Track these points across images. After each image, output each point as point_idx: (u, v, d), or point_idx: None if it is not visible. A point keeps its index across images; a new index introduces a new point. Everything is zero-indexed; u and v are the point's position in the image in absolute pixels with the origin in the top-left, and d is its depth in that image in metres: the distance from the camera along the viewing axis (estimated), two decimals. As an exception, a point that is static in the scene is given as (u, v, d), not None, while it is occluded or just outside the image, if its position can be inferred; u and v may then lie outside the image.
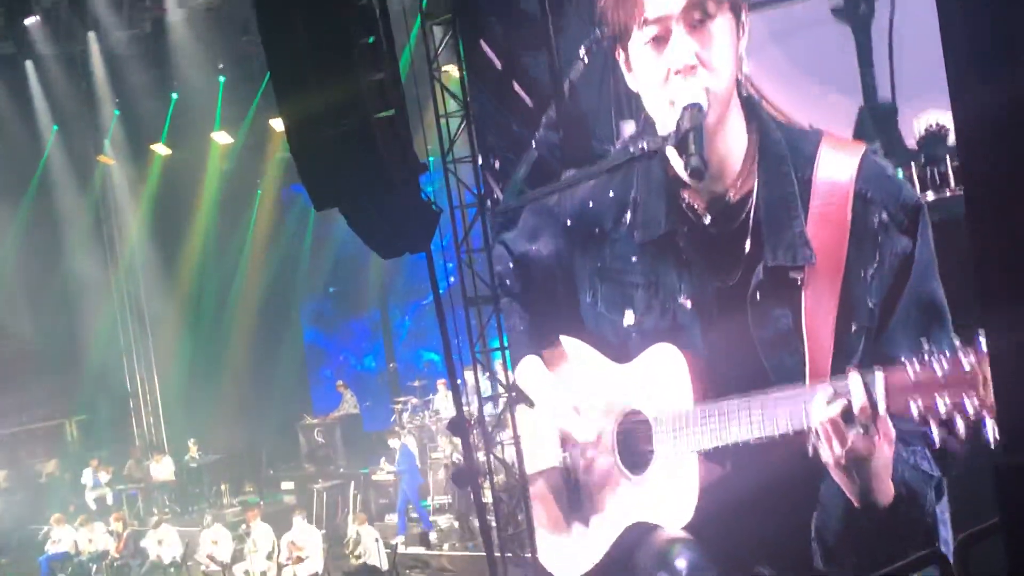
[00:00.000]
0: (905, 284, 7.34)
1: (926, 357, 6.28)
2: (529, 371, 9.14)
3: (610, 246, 8.34)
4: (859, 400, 6.71)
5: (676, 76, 7.42)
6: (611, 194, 8.29)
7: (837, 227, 7.39)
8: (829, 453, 6.93)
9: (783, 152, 7.62)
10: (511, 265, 9.21)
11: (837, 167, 7.45)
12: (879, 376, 6.54)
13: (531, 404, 9.08)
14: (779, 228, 7.55)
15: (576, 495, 8.62)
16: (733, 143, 7.69)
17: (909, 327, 7.05)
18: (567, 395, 8.59)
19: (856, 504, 7.21)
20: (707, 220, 7.80)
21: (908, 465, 7.32)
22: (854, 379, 6.77)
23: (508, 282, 9.24)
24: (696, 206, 7.83)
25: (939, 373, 6.21)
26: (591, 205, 8.43)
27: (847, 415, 6.81)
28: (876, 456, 6.92)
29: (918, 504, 7.39)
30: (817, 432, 6.94)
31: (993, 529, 3.69)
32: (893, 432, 6.90)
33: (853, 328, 7.37)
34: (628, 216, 8.19)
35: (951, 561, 4.61)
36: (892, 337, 7.27)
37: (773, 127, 7.71)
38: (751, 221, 7.64)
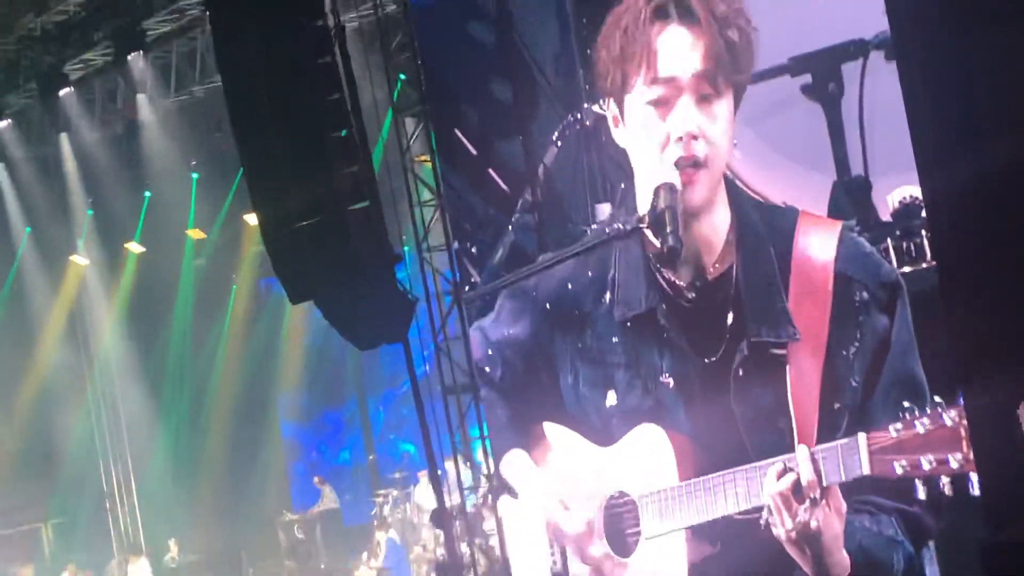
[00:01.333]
0: (884, 362, 7.34)
1: (907, 416, 6.29)
2: (515, 465, 9.04)
3: (591, 327, 8.28)
4: (806, 474, 6.66)
5: (676, 144, 7.39)
6: (590, 274, 8.24)
7: (818, 305, 7.39)
8: (780, 528, 6.86)
9: (761, 230, 7.63)
10: (489, 352, 9.13)
11: (816, 245, 7.46)
12: (861, 438, 6.53)
13: (515, 495, 8.98)
14: (761, 304, 7.54)
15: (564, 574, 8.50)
16: (717, 221, 7.70)
17: (889, 404, 7.02)
18: (554, 488, 8.49)
19: None
20: (688, 297, 7.79)
21: (869, 533, 7.29)
22: (801, 452, 6.73)
23: (487, 369, 9.15)
24: (676, 283, 7.82)
25: (921, 431, 6.21)
26: (570, 287, 8.38)
27: (796, 489, 6.74)
28: (825, 529, 6.83)
29: (881, 571, 7.34)
30: (769, 507, 6.92)
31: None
32: (844, 505, 6.84)
33: (836, 406, 7.35)
34: (608, 296, 8.15)
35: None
36: (873, 414, 7.23)
37: (750, 205, 7.73)
38: (733, 297, 7.64)
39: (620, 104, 7.69)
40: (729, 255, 7.68)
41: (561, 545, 8.40)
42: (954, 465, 6.12)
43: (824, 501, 6.75)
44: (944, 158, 3.91)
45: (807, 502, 6.77)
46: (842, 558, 7.09)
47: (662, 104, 7.37)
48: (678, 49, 7.38)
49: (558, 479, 8.43)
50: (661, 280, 7.83)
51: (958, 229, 3.89)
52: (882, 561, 7.31)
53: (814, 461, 6.68)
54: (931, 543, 7.50)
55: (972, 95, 4.07)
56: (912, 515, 7.19)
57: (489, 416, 9.40)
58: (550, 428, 8.61)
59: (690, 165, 7.35)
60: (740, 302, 7.61)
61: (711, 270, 7.73)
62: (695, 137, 7.32)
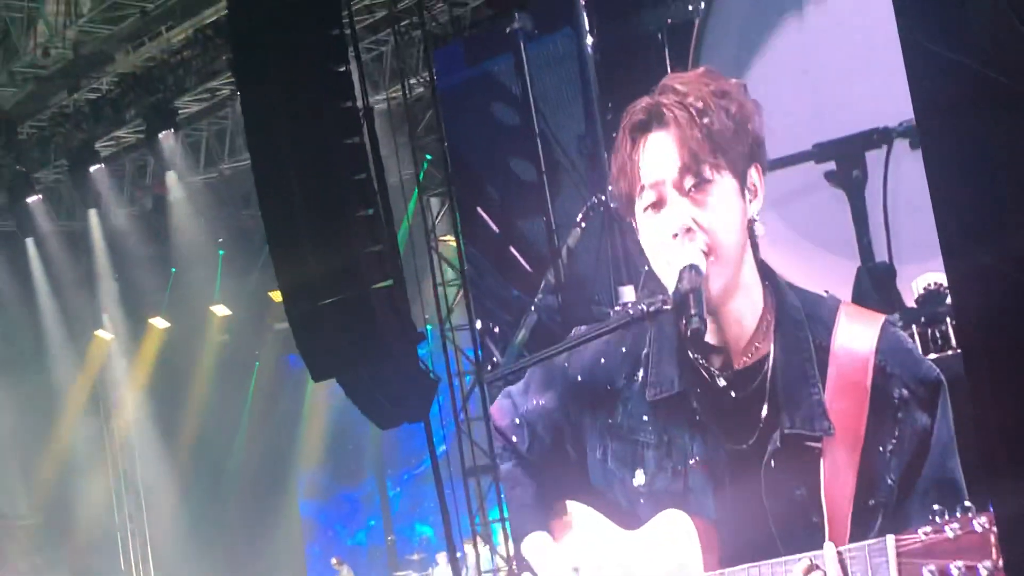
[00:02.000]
0: (924, 463, 7.25)
1: (937, 520, 6.19)
2: (535, 547, 8.94)
3: (622, 403, 8.25)
4: (833, 573, 6.62)
5: (673, 241, 7.47)
6: (623, 350, 8.23)
7: (856, 399, 7.32)
8: None
9: (800, 317, 7.59)
10: (516, 421, 9.06)
11: (857, 336, 7.41)
12: (890, 540, 6.43)
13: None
14: (797, 395, 7.48)
15: None
16: (748, 305, 7.67)
17: (927, 505, 6.93)
18: (576, 572, 8.39)
19: None
20: (722, 382, 7.74)
21: None
22: (829, 551, 6.68)
23: (514, 439, 9.08)
24: (710, 367, 7.77)
25: (950, 535, 6.11)
26: (603, 361, 8.36)
27: None
28: None
29: None
30: None
31: None
32: None
33: (871, 503, 7.26)
34: (640, 373, 8.12)
35: None
36: (909, 515, 7.14)
37: (789, 291, 7.70)
38: (767, 385, 7.58)
39: (632, 218, 7.94)
40: (766, 341, 7.63)
41: None
42: (983, 573, 5.99)
43: None
44: (969, 245, 3.88)
45: None
46: None
47: (656, 206, 7.61)
48: (658, 153, 7.63)
49: (579, 561, 8.34)
50: (696, 363, 7.80)
51: (983, 317, 3.84)
52: None
53: (841, 562, 6.64)
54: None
55: (997, 182, 4.05)
56: None
57: (512, 493, 9.32)
58: (574, 507, 8.53)
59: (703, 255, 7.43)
60: (775, 391, 7.55)
61: (744, 358, 7.68)
62: (688, 230, 7.44)
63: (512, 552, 9.68)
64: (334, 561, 19.69)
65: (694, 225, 7.44)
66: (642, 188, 7.66)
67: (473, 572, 11.73)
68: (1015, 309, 3.87)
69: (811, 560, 6.76)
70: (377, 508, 21.34)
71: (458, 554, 10.38)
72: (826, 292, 7.73)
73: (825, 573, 6.67)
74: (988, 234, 3.95)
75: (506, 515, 9.72)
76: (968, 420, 6.91)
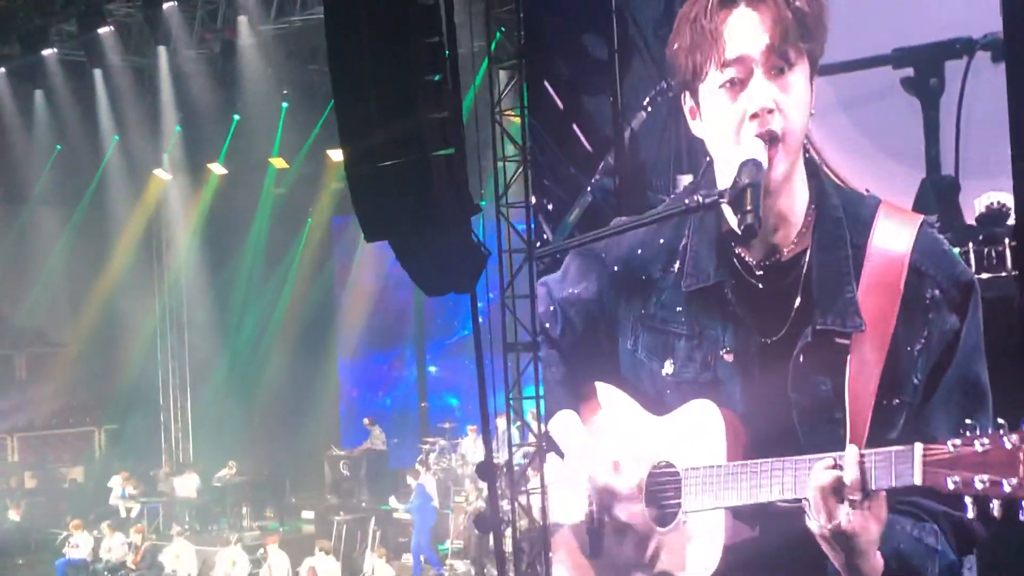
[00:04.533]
0: (950, 363, 7.25)
1: (967, 434, 6.22)
2: (563, 424, 9.07)
3: (656, 294, 8.27)
4: (851, 475, 6.69)
5: (751, 122, 7.36)
6: (661, 241, 8.22)
7: (888, 297, 7.32)
8: (815, 522, 6.92)
9: (839, 215, 7.56)
10: (552, 308, 9.15)
11: (893, 236, 7.38)
12: (918, 448, 6.47)
13: (561, 455, 9.00)
14: (831, 291, 7.49)
15: (600, 544, 8.53)
16: (795, 200, 7.64)
17: (951, 407, 6.95)
18: (601, 449, 8.51)
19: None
20: (759, 275, 7.74)
21: (910, 538, 7.25)
22: (851, 453, 6.74)
23: (548, 325, 9.17)
24: (749, 260, 7.77)
25: (979, 450, 6.14)
26: (640, 252, 8.37)
27: (837, 487, 6.79)
28: (861, 532, 6.86)
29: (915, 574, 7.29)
30: (808, 500, 6.92)
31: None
32: (885, 513, 6.86)
33: (896, 401, 7.29)
34: (677, 265, 8.13)
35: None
36: (932, 415, 7.16)
37: (831, 189, 7.65)
38: (803, 280, 7.59)
39: (695, 95, 7.75)
40: (806, 237, 7.62)
41: (602, 505, 8.43)
42: (1007, 489, 6.03)
43: (866, 505, 6.78)
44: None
45: (846, 503, 6.76)
46: (875, 561, 7.07)
47: (735, 84, 7.43)
48: (746, 29, 7.43)
49: (606, 440, 8.45)
50: (733, 256, 7.79)
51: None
52: (917, 568, 7.27)
53: (862, 464, 6.69)
54: (974, 552, 7.44)
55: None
56: (959, 521, 7.12)
57: (545, 377, 9.42)
58: (603, 388, 8.61)
59: (767, 141, 7.33)
60: (810, 286, 7.55)
61: (786, 250, 7.67)
62: (770, 111, 7.32)
63: (543, 430, 9.79)
64: (366, 421, 20.06)
65: (775, 106, 7.33)
66: (724, 63, 7.46)
67: (504, 446, 11.88)
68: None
69: (835, 460, 6.81)
70: (411, 373, 21.59)
71: (490, 426, 10.49)
72: (867, 191, 7.66)
73: (844, 474, 6.74)
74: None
75: (542, 393, 9.80)
76: (1007, 337, 6.93)
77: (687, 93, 7.82)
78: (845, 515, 6.79)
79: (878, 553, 7.07)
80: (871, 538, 6.97)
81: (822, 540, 7.02)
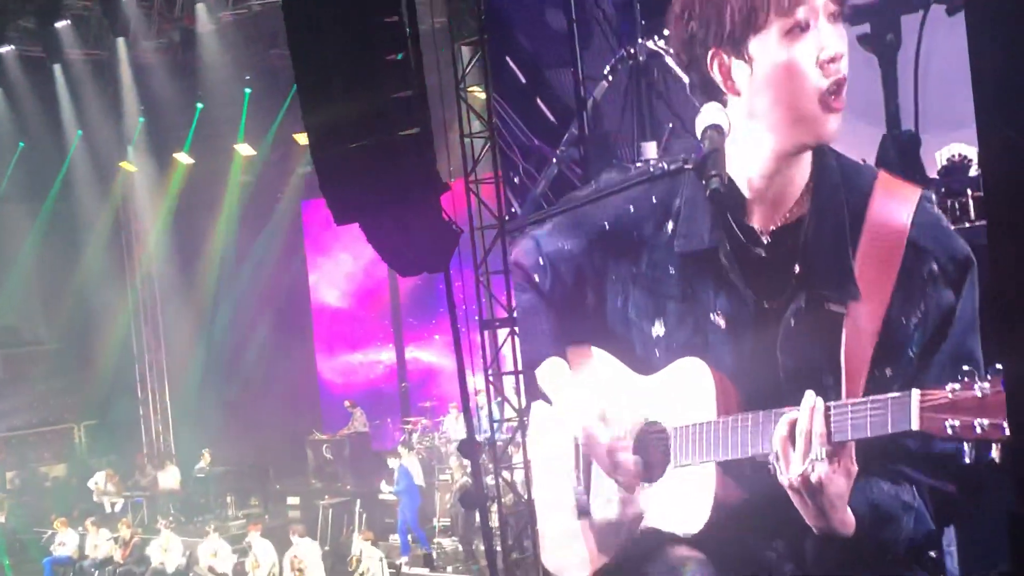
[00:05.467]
0: (945, 338, 7.27)
1: (965, 379, 6.26)
2: (551, 371, 9.03)
3: (648, 253, 8.20)
4: (803, 423, 6.83)
5: (815, 67, 7.06)
6: (654, 200, 8.12)
7: (885, 270, 7.30)
8: (783, 474, 7.01)
9: (837, 181, 7.50)
10: (540, 262, 9.05)
11: (892, 209, 7.34)
12: (915, 394, 6.50)
13: (549, 402, 8.99)
14: (827, 258, 7.46)
15: (586, 497, 8.57)
16: (802, 164, 7.56)
17: (944, 380, 6.98)
18: (589, 398, 8.49)
19: (813, 530, 7.22)
20: (754, 240, 7.69)
21: (884, 494, 7.31)
22: (807, 400, 6.87)
23: (536, 278, 9.08)
24: (747, 224, 7.70)
25: (979, 394, 6.20)
26: (632, 209, 8.28)
27: (794, 436, 6.90)
28: (828, 485, 6.95)
29: (889, 529, 7.35)
30: (777, 452, 7.02)
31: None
32: (854, 466, 6.95)
33: (888, 373, 7.30)
34: (670, 225, 8.05)
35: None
36: (924, 388, 7.21)
37: (830, 155, 7.58)
38: (800, 246, 7.55)
39: (743, 50, 7.31)
40: (804, 203, 7.56)
41: (589, 459, 8.45)
42: (1008, 432, 6.08)
43: (834, 459, 6.86)
44: (1007, 113, 3.82)
45: (809, 453, 6.84)
46: (846, 516, 7.13)
47: (800, 29, 7.09)
48: None
49: (594, 393, 8.43)
50: (730, 219, 7.72)
51: (1012, 188, 3.81)
52: (891, 520, 7.33)
53: (827, 416, 6.79)
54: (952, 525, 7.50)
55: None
56: (943, 492, 7.18)
57: (530, 320, 9.33)
58: (590, 348, 8.60)
59: (835, 91, 7.10)
60: (808, 252, 7.52)
61: (782, 218, 7.63)
62: (834, 59, 7.08)
63: (524, 405, 9.80)
64: (347, 404, 20.01)
65: (839, 54, 7.07)
66: (786, 6, 7.09)
67: (485, 422, 11.90)
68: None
69: (811, 411, 6.90)
70: (390, 354, 21.53)
71: (470, 403, 10.51)
72: (863, 160, 7.63)
73: (798, 422, 6.87)
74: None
75: (520, 368, 9.80)
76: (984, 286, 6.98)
77: (721, 56, 7.39)
78: (808, 464, 6.87)
79: (848, 508, 7.14)
80: (839, 491, 7.03)
81: (792, 492, 7.10)
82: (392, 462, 16.43)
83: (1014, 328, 3.78)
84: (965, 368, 6.37)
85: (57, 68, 18.82)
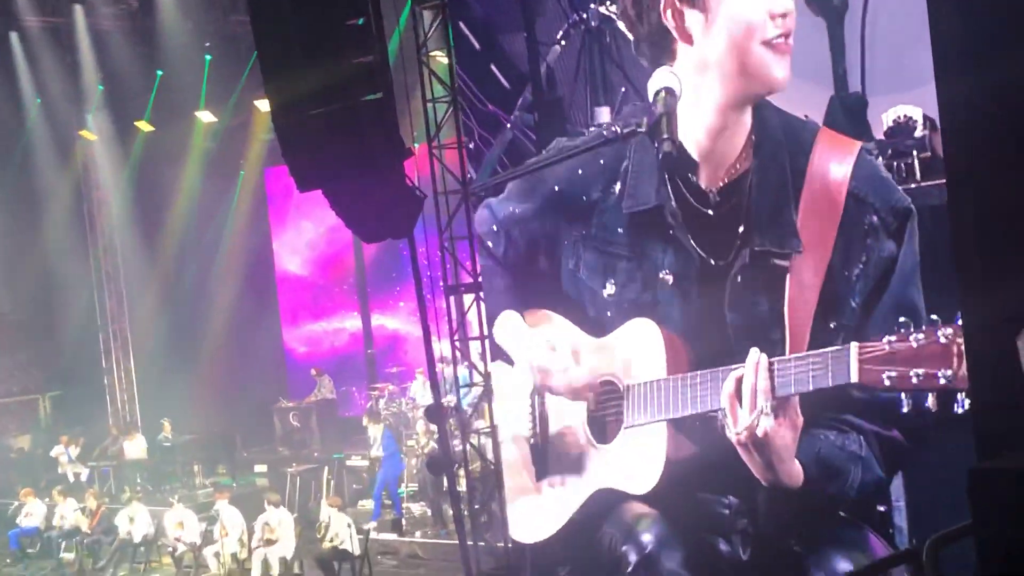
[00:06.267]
0: (887, 288, 7.38)
1: (902, 331, 6.39)
2: (508, 324, 9.14)
3: (597, 215, 8.34)
4: (748, 379, 7.03)
5: (769, 20, 7.32)
6: (602, 162, 8.25)
7: (827, 222, 7.41)
8: (731, 430, 7.18)
9: (780, 138, 7.62)
10: (494, 228, 9.18)
11: (832, 162, 7.46)
12: (853, 347, 6.65)
13: (510, 362, 9.11)
14: (770, 213, 7.57)
15: (544, 459, 8.71)
16: (745, 120, 7.68)
17: (887, 330, 7.10)
18: (544, 343, 8.63)
19: (763, 482, 7.36)
20: (702, 199, 7.79)
21: (831, 445, 7.44)
22: (751, 357, 7.06)
23: (491, 244, 9.22)
24: (694, 183, 7.80)
25: (914, 345, 6.38)
26: (580, 172, 8.40)
27: (740, 392, 7.10)
28: (775, 438, 7.14)
29: (838, 480, 7.48)
30: (724, 409, 7.20)
31: (965, 531, 3.70)
32: (800, 419, 7.15)
33: (832, 324, 7.42)
34: (618, 186, 8.17)
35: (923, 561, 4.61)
36: (867, 338, 7.32)
37: (772, 112, 7.68)
38: (744, 202, 7.65)
39: (703, 3, 7.58)
40: (746, 160, 7.66)
41: (546, 418, 8.57)
42: (943, 381, 6.26)
43: (779, 412, 7.05)
44: (966, 67, 3.86)
45: (755, 407, 7.00)
46: (793, 468, 7.32)
47: None
48: None
49: (549, 343, 8.56)
50: (677, 178, 7.82)
51: (972, 141, 3.86)
52: (838, 471, 7.48)
53: (771, 372, 6.98)
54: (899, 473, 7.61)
55: (999, 5, 4.00)
56: (889, 439, 7.31)
57: (488, 283, 9.48)
58: (546, 312, 8.72)
59: (784, 37, 7.36)
60: (750, 209, 7.62)
61: (727, 175, 7.72)
62: (785, 15, 7.35)
63: (489, 369, 9.84)
64: (313, 372, 20.02)
65: (788, 11, 7.34)
66: None
67: (451, 387, 11.93)
68: (1005, 134, 3.88)
69: (756, 367, 7.08)
70: (355, 321, 21.52)
71: (437, 369, 10.53)
72: (806, 116, 7.71)
73: (744, 378, 7.05)
74: (985, 56, 3.92)
75: (486, 334, 9.83)
76: (930, 246, 7.08)
77: (684, 10, 7.65)
78: (755, 419, 7.00)
79: (796, 461, 7.28)
80: (786, 444, 7.20)
81: (739, 447, 7.28)
82: (374, 429, 16.40)
83: (971, 283, 3.84)
84: (902, 320, 6.49)
85: (14, 36, 18.59)
